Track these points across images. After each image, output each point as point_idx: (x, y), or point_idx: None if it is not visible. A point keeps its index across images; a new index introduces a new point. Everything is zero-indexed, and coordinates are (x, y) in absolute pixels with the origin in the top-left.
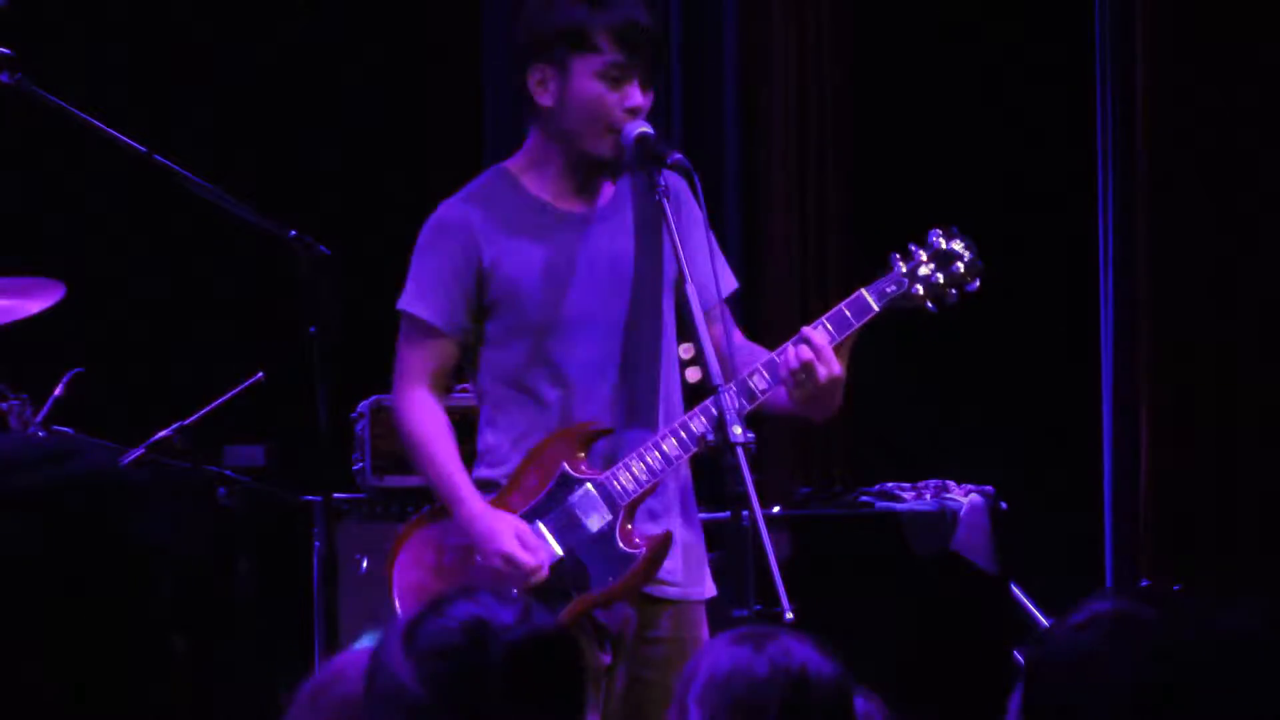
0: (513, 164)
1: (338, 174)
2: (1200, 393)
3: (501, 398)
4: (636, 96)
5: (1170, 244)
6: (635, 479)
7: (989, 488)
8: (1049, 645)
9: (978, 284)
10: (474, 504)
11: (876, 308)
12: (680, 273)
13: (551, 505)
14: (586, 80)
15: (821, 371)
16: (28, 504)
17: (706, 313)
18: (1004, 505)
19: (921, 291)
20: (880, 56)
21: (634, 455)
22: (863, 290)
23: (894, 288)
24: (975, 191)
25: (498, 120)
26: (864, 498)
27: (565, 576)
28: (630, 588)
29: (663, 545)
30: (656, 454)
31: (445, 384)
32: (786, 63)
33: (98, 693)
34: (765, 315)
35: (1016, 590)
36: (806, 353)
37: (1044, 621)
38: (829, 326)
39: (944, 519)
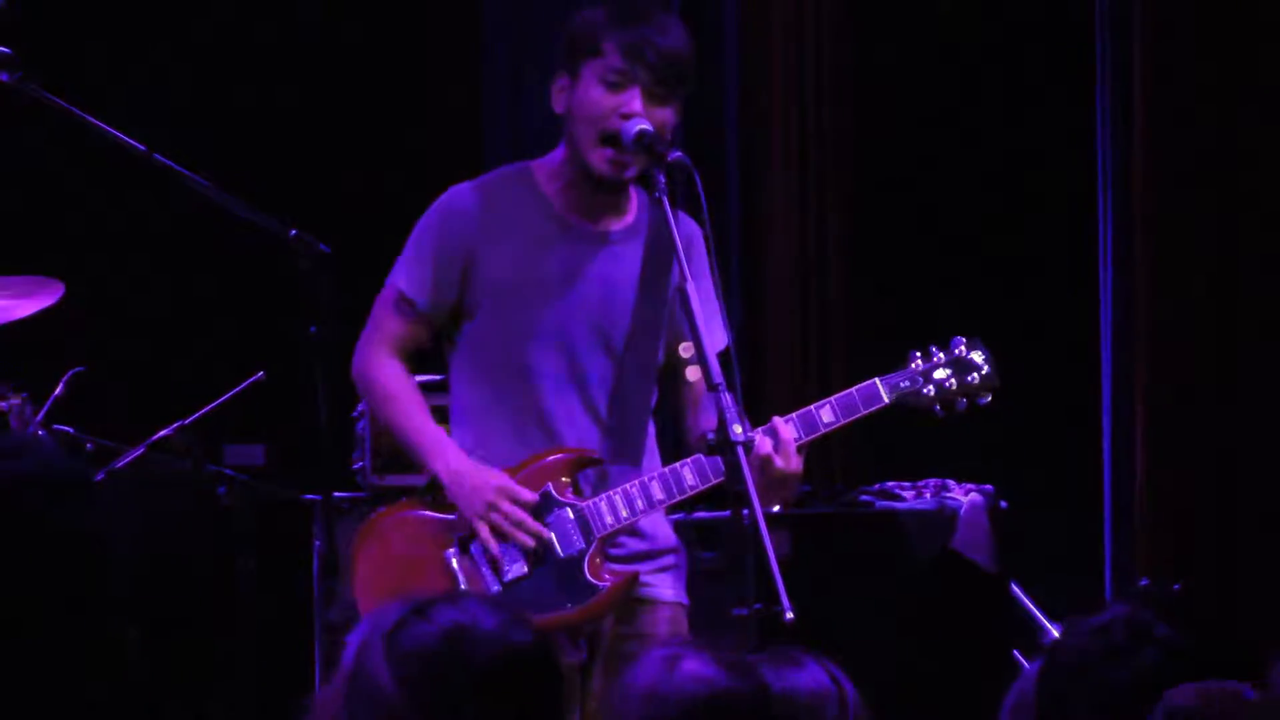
0: (537, 165)
1: (338, 173)
2: (1199, 392)
3: (471, 403)
4: (634, 103)
5: (1169, 244)
6: (615, 513)
7: (989, 487)
8: (1065, 641)
9: (990, 399)
10: (459, 458)
11: (886, 400)
12: (681, 274)
13: None
14: (590, 84)
15: (779, 464)
16: None
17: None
18: (1004, 504)
19: (933, 393)
20: (881, 58)
21: (619, 490)
22: (876, 380)
23: (907, 384)
24: (976, 193)
25: (495, 120)
26: (864, 497)
27: (524, 595)
28: (586, 619)
29: (627, 585)
30: (641, 495)
31: (411, 361)
32: (787, 65)
33: (44, 680)
34: (766, 324)
35: (1016, 589)
36: (767, 446)
37: (1043, 620)
38: (818, 416)
39: (944, 518)
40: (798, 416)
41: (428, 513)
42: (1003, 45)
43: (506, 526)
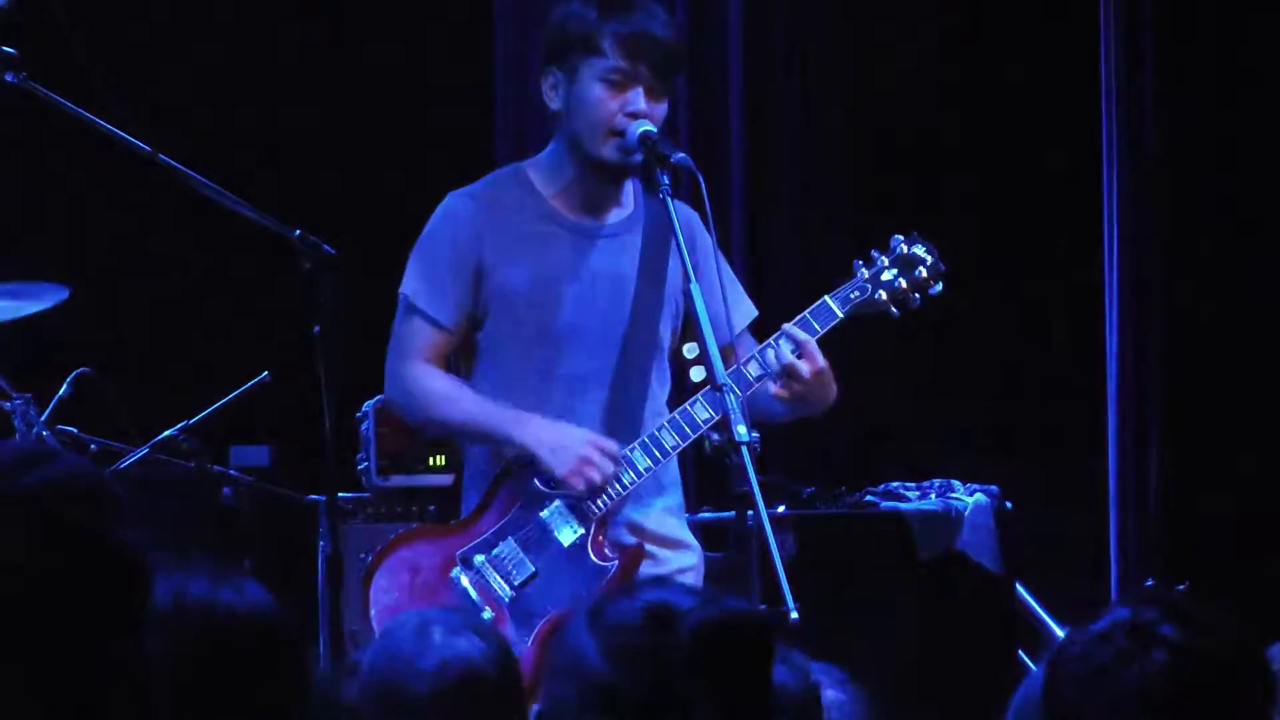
0: (531, 165)
1: (342, 173)
2: (1205, 392)
3: None
4: (639, 102)
5: (1176, 242)
6: (605, 492)
7: (994, 487)
8: (1068, 651)
9: (940, 287)
10: (532, 421)
11: (840, 314)
12: (685, 273)
13: (523, 521)
14: (590, 83)
15: (806, 367)
16: (9, 507)
17: (722, 348)
18: (1009, 505)
19: (884, 296)
20: (882, 54)
21: None
22: (826, 297)
23: (857, 294)
24: (978, 191)
25: (501, 119)
26: (869, 497)
27: (538, 592)
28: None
29: (635, 556)
30: (628, 468)
31: (442, 366)
32: (790, 65)
33: (72, 693)
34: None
35: (1022, 590)
36: (789, 348)
37: (1049, 621)
38: (777, 347)
39: (949, 518)
40: (758, 353)
41: (426, 541)
42: (1007, 39)
43: (598, 477)
